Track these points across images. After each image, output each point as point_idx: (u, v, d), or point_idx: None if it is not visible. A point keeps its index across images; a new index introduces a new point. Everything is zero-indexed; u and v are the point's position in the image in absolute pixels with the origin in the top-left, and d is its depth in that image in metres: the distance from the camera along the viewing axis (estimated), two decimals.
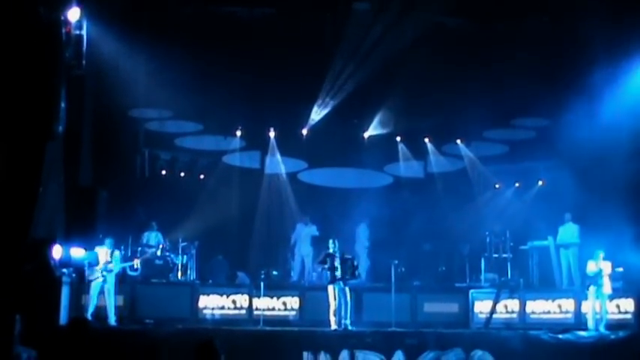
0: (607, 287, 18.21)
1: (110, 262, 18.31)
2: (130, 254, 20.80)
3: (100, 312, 18.15)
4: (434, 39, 19.77)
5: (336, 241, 18.78)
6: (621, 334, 17.78)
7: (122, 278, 20.12)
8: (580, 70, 19.65)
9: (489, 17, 19.45)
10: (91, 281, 18.03)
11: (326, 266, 18.61)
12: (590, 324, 18.30)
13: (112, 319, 18.17)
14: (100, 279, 18.13)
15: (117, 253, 18.79)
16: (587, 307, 18.71)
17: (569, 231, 21.26)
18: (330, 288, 18.40)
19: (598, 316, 18.26)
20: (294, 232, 23.66)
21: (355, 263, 18.75)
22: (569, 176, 21.45)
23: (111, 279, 18.32)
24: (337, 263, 18.38)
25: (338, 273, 18.34)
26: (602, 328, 18.14)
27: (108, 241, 18.57)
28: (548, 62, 19.85)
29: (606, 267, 18.24)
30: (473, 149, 25.68)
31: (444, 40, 20.03)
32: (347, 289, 18.45)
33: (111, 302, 18.27)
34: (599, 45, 18.82)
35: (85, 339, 8.78)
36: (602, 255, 18.31)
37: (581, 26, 18.70)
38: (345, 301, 18.34)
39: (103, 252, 18.33)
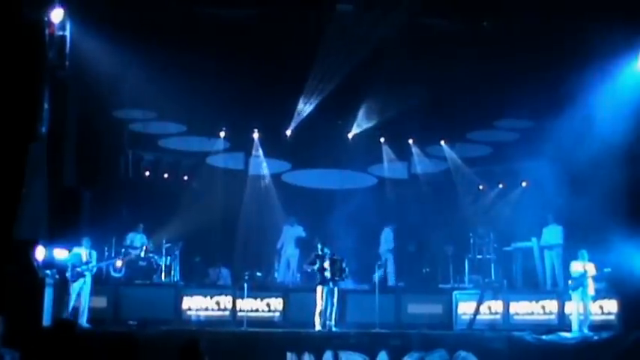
0: (591, 288, 18.27)
1: (90, 261, 18.19)
2: (113, 255, 20.72)
3: (77, 313, 17.93)
4: (418, 39, 19.74)
5: (325, 243, 18.82)
6: (604, 335, 17.88)
7: (105, 279, 20.11)
8: (564, 72, 19.68)
9: (474, 17, 19.43)
10: (72, 282, 17.89)
11: (315, 267, 18.63)
12: (574, 325, 18.36)
13: (84, 321, 17.85)
14: (82, 280, 18.00)
15: (94, 253, 18.58)
16: (570, 308, 18.77)
17: (552, 232, 21.32)
18: (319, 289, 18.42)
19: (581, 317, 18.31)
20: (281, 235, 23.61)
21: (344, 265, 18.71)
22: (552, 177, 21.46)
23: (89, 280, 18.13)
24: (327, 264, 18.40)
25: (327, 274, 18.35)
26: (585, 330, 18.19)
27: (85, 240, 18.38)
28: (532, 63, 19.84)
29: (590, 268, 18.30)
30: (457, 150, 25.72)
31: (428, 40, 20.02)
32: (335, 290, 18.48)
33: (85, 303, 18.04)
34: (585, 46, 18.86)
35: (69, 340, 8.73)
36: (586, 256, 18.39)
37: (567, 27, 18.72)
38: (332, 303, 18.37)
39: (81, 252, 18.17)
